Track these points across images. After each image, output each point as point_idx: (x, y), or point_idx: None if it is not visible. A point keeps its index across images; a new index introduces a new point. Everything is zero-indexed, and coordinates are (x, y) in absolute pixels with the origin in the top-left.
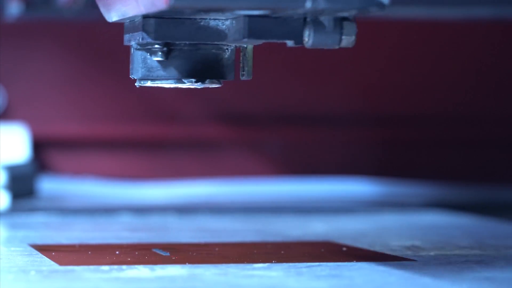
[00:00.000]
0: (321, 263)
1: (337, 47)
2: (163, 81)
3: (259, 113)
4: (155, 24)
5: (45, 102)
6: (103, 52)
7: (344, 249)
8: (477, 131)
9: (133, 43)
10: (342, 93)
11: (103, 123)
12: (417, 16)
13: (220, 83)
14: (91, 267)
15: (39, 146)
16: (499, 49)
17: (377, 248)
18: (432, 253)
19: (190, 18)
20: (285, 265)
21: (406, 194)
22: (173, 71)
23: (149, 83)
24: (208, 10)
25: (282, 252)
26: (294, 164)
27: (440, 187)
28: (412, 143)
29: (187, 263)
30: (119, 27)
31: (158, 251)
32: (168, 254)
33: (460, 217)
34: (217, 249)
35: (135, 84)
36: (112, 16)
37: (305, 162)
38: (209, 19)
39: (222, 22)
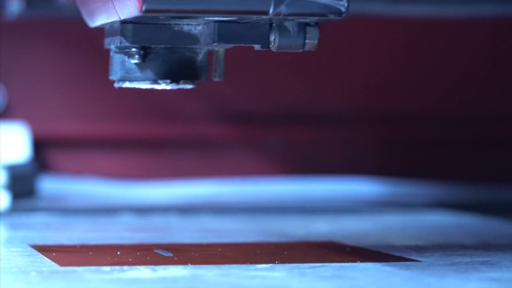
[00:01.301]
0: (324, 264)
1: (301, 50)
2: (140, 82)
3: (261, 112)
4: (132, 29)
5: (45, 101)
6: (104, 51)
7: (348, 249)
8: (483, 130)
9: (112, 46)
10: (345, 92)
11: (104, 122)
12: (421, 14)
13: (194, 84)
14: (92, 267)
15: (40, 145)
16: (504, 47)
17: (381, 249)
18: (436, 254)
19: (165, 24)
20: (288, 265)
21: (410, 194)
22: (149, 73)
23: (127, 84)
24: (180, 17)
25: (285, 252)
26: (297, 163)
27: (445, 186)
28: (417, 142)
29: (189, 264)
30: None
31: (160, 252)
32: (171, 254)
33: (465, 217)
34: (219, 249)
35: (114, 85)
36: (94, 21)
37: (308, 161)
38: (183, 24)
39: (195, 27)
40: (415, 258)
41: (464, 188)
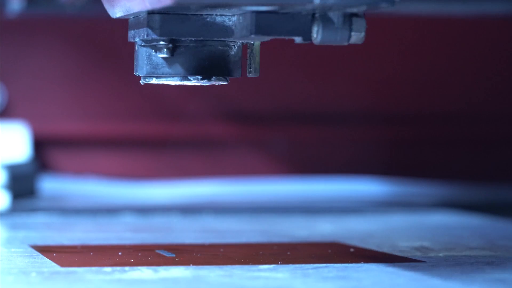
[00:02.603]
0: (328, 265)
1: (346, 43)
2: (168, 79)
3: (265, 111)
4: (160, 20)
5: (46, 100)
6: (106, 49)
7: (352, 250)
8: (488, 130)
9: (137, 39)
10: (350, 91)
11: (106, 121)
12: (427, 12)
13: (226, 81)
14: (93, 268)
15: (40, 145)
16: (511, 46)
17: (385, 249)
18: (441, 254)
19: (196, 14)
20: (291, 266)
21: (415, 193)
22: (178, 68)
23: (154, 81)
24: (214, 6)
25: (288, 253)
26: (300, 163)
27: (450, 186)
28: (421, 141)
29: (191, 265)
30: (122, 23)
31: (162, 252)
32: (173, 255)
33: (470, 217)
34: (222, 250)
35: (140, 81)
36: (116, 12)
37: (312, 161)
38: (215, 15)
39: (229, 18)
40: (420, 259)
41: (469, 188)
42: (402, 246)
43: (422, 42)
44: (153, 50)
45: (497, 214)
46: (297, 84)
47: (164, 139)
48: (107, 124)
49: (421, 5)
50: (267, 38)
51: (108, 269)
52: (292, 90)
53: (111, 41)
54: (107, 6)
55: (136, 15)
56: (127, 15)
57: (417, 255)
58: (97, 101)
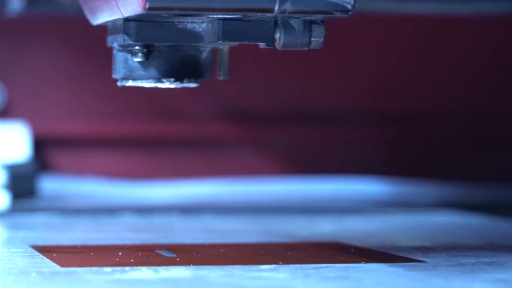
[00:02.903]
0: (328, 265)
1: (306, 48)
2: (143, 81)
3: (265, 111)
4: (135, 26)
5: (46, 100)
6: (106, 49)
7: (352, 250)
8: (489, 129)
9: (115, 44)
10: (350, 91)
11: (106, 121)
12: (427, 12)
13: (198, 83)
14: (93, 268)
15: (40, 144)
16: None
17: (386, 249)
18: (442, 254)
19: (169, 21)
20: (292, 266)
21: (416, 193)
22: (153, 71)
23: (130, 83)
24: (183, 14)
25: (289, 253)
26: (301, 163)
27: (451, 186)
28: (422, 141)
29: (191, 265)
30: None
31: (163, 252)
32: (174, 255)
33: (471, 217)
34: (222, 250)
35: (117, 83)
36: (96, 19)
37: (312, 161)
38: (187, 22)
39: (199, 25)
40: (421, 259)
41: (470, 188)
42: (403, 246)
43: (423, 42)
44: (129, 55)
45: (498, 214)
46: (297, 84)
47: (164, 139)
48: (107, 124)
49: (421, 4)
50: (233, 44)
51: (108, 269)
52: (292, 90)
53: None
54: (87, 14)
55: (114, 22)
56: (105, 22)
57: (418, 255)
58: (97, 101)
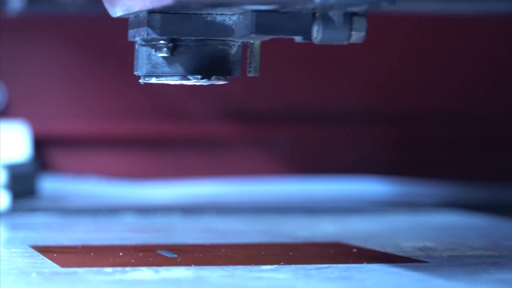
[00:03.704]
0: (330, 265)
1: (346, 43)
2: (168, 78)
3: (267, 111)
4: (160, 19)
5: (46, 99)
6: (107, 48)
7: (355, 250)
8: (492, 129)
9: (137, 39)
10: (353, 90)
11: (107, 120)
12: (429, 11)
13: (226, 80)
14: (94, 269)
15: (40, 144)
16: None
17: (389, 249)
18: (445, 255)
19: (196, 13)
20: (293, 267)
21: (418, 193)
22: (178, 68)
23: (153, 80)
24: (215, 5)
25: (291, 253)
26: (303, 163)
27: (454, 186)
28: (425, 141)
29: (192, 265)
30: (123, 22)
31: (164, 253)
32: (175, 255)
33: (474, 217)
34: (223, 250)
35: (140, 81)
36: (117, 11)
37: (314, 161)
38: (216, 14)
39: (229, 17)
40: (423, 259)
41: (473, 187)
42: (405, 246)
43: (425, 41)
44: (153, 50)
45: (501, 214)
46: (299, 83)
47: (166, 139)
48: (108, 123)
49: (424, 3)
50: (267, 38)
51: (109, 269)
52: (295, 90)
53: (111, 40)
54: (107, 5)
55: (136, 14)
56: (127, 14)
57: (421, 255)
58: (98, 101)
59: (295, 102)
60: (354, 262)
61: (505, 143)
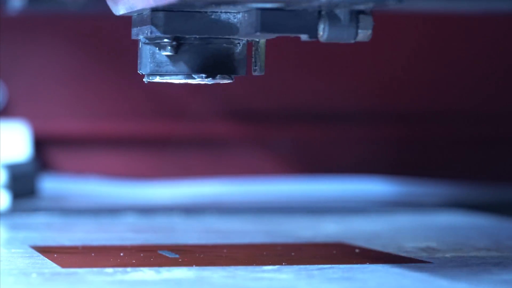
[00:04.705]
0: (333, 265)
1: (353, 41)
2: (172, 77)
3: (269, 110)
4: (164, 17)
5: (47, 99)
6: (108, 47)
7: (357, 250)
8: (496, 129)
9: (141, 37)
10: (355, 89)
11: (107, 120)
12: (435, 9)
13: (231, 79)
14: (95, 269)
15: (41, 144)
16: None
17: (391, 250)
18: (448, 255)
19: (201, 11)
20: (295, 267)
21: (421, 193)
22: (182, 66)
23: (157, 79)
24: (219, 3)
25: (293, 254)
26: (305, 162)
27: (457, 186)
28: (428, 141)
29: (194, 265)
30: (124, 21)
31: (165, 253)
32: (177, 256)
33: (478, 218)
34: (225, 250)
35: (144, 79)
36: (120, 9)
37: (316, 160)
38: (220, 12)
39: (234, 15)
40: (426, 260)
41: (476, 187)
42: (408, 246)
43: (430, 41)
44: (157, 48)
45: (505, 214)
46: (302, 83)
47: (167, 138)
48: (109, 123)
49: (427, 2)
50: (272, 36)
51: (109, 270)
52: (297, 89)
53: (113, 39)
54: (110, 3)
55: (140, 12)
56: (130, 12)
57: (424, 255)
58: (99, 100)
59: (298, 102)
60: (356, 263)
61: (509, 143)
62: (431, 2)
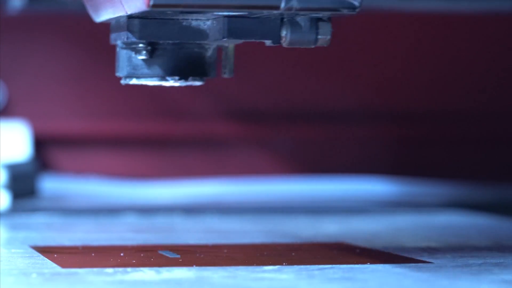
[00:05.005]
0: (333, 265)
1: (313, 46)
2: (147, 79)
3: (269, 110)
4: (139, 24)
5: (47, 98)
6: (108, 47)
7: (358, 250)
8: (497, 129)
9: (118, 42)
10: (355, 89)
11: (107, 120)
12: (434, 9)
13: (202, 81)
14: (95, 269)
15: (41, 144)
16: None
17: (392, 250)
18: (448, 255)
19: (173, 19)
20: (296, 267)
21: (422, 193)
22: (157, 69)
23: (134, 81)
24: (187, 11)
25: (293, 253)
26: (305, 162)
27: (458, 186)
28: (428, 141)
29: (194, 266)
30: None
31: (165, 253)
32: (178, 256)
33: (478, 218)
34: (225, 250)
35: (121, 81)
36: (99, 16)
37: (316, 160)
38: (191, 19)
39: (204, 22)
40: (427, 260)
41: (477, 187)
42: (408, 246)
43: (429, 40)
44: (133, 52)
45: (506, 214)
46: (301, 83)
47: (167, 138)
48: (109, 123)
49: (428, 2)
50: (239, 41)
51: (109, 270)
52: (297, 89)
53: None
54: (90, 11)
55: (117, 19)
56: (109, 19)
57: (424, 255)
58: (99, 100)
59: (298, 101)
60: (357, 263)
61: (510, 143)
62: (431, 2)
